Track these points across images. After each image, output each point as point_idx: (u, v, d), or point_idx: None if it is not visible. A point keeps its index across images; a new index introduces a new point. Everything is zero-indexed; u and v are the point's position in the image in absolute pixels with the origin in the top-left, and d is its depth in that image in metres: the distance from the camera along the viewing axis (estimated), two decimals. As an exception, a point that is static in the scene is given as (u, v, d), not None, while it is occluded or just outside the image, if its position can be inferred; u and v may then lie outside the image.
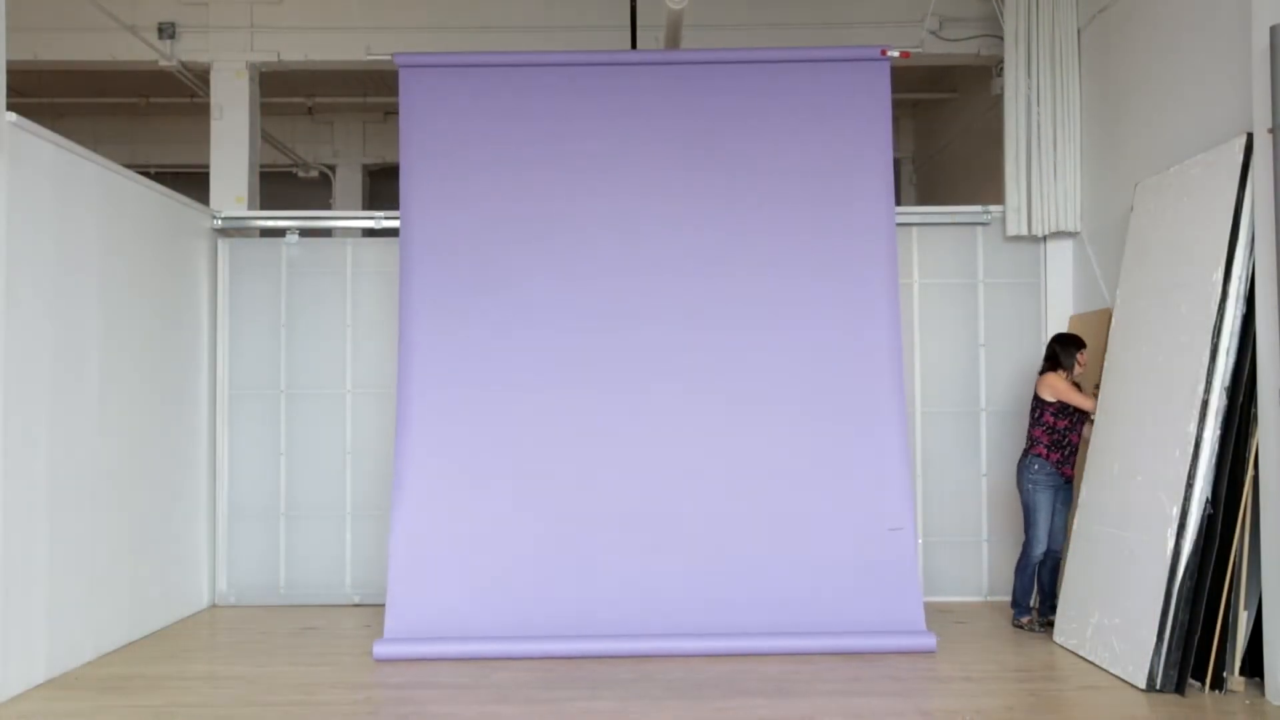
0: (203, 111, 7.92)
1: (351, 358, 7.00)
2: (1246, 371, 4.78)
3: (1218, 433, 4.80)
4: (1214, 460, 4.79)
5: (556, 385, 6.02)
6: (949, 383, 6.94)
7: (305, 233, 7.14)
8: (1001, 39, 7.03)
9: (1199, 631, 4.72)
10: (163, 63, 7.61)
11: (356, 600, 6.89)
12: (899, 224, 6.83)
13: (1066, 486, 6.01)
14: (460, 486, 5.92)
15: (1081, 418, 5.97)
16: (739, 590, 5.78)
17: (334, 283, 7.04)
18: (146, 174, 7.12)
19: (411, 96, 6.29)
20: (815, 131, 6.24)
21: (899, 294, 6.24)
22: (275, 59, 7.62)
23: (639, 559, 5.82)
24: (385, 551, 6.74)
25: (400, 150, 6.27)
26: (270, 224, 7.15)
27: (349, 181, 11.63)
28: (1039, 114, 6.77)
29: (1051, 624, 5.87)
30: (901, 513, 5.89)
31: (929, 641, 5.57)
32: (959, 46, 7.48)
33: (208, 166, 7.64)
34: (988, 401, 6.93)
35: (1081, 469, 5.91)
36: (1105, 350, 5.89)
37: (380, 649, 5.48)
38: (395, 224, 6.74)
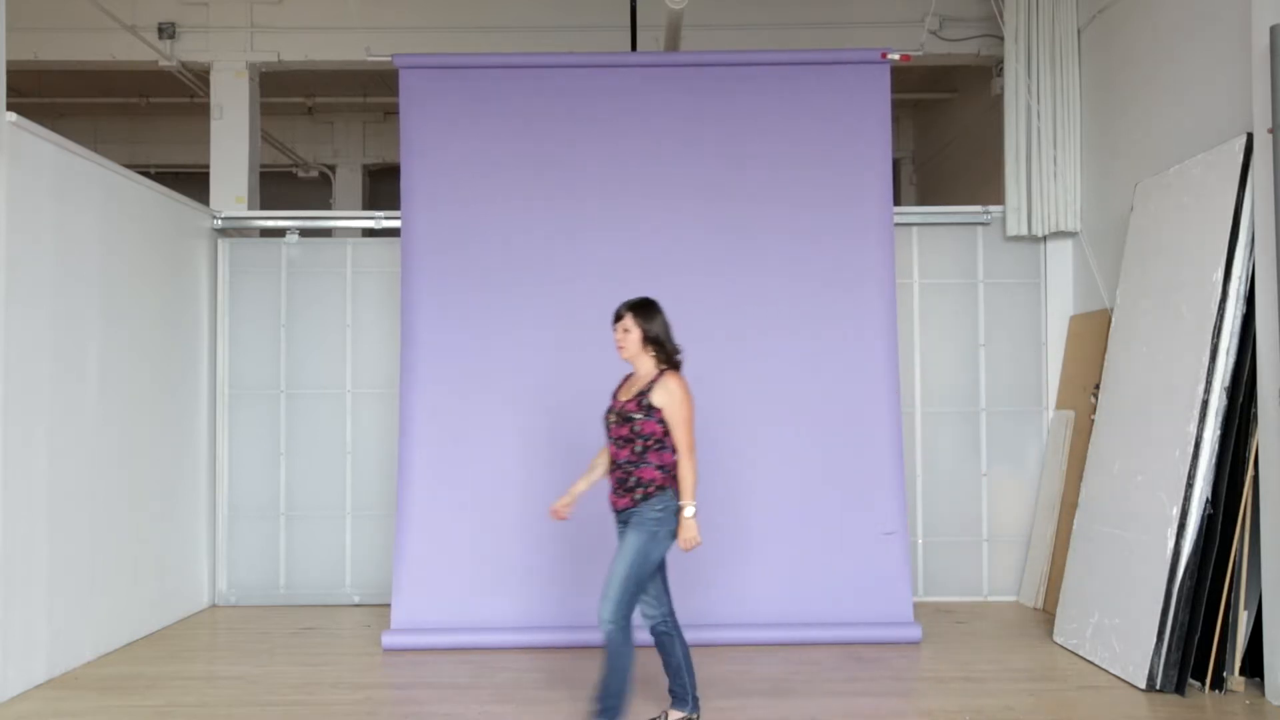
0: (203, 111, 7.92)
1: (351, 358, 7.00)
2: (1246, 371, 4.78)
3: (1218, 433, 4.79)
4: (1214, 460, 4.79)
5: (556, 383, 6.04)
6: (949, 383, 6.94)
7: (305, 233, 7.14)
8: (1001, 39, 7.03)
9: (1199, 631, 4.72)
10: (163, 63, 7.61)
11: (356, 600, 6.89)
12: (899, 224, 6.83)
13: (622, 526, 4.18)
14: (464, 482, 5.97)
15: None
16: (735, 585, 5.82)
17: (334, 283, 7.04)
18: (146, 174, 7.13)
19: (411, 97, 6.29)
20: (815, 133, 6.24)
21: (896, 297, 6.25)
22: (275, 59, 7.62)
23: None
24: (385, 551, 6.76)
25: (400, 150, 6.27)
26: (270, 224, 7.15)
27: (349, 181, 11.63)
28: (1039, 114, 6.77)
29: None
30: (895, 516, 5.91)
31: (914, 632, 5.68)
32: (959, 46, 7.48)
33: (208, 166, 7.64)
34: (988, 401, 6.93)
35: (1079, 472, 5.91)
36: (1105, 350, 5.89)
37: (388, 639, 5.65)
38: (395, 224, 6.74)
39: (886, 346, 6.09)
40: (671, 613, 4.23)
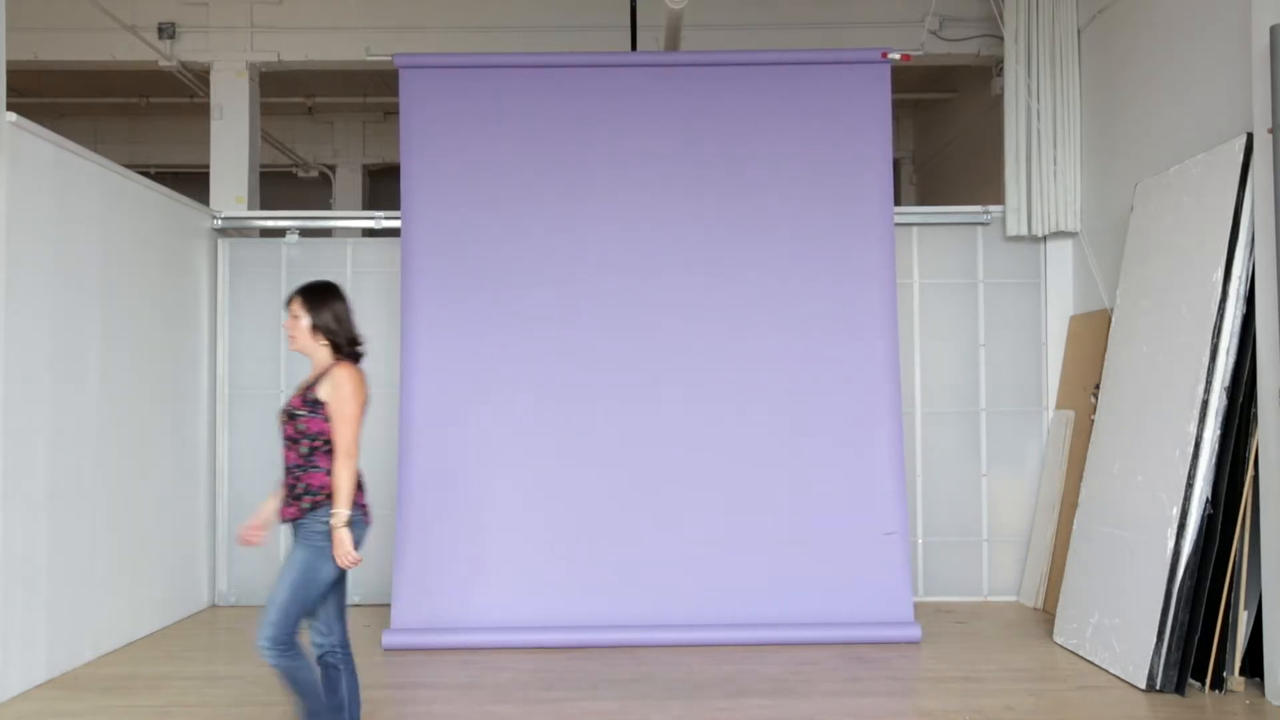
0: (203, 111, 7.92)
1: (351, 358, 6.99)
2: (1246, 371, 4.78)
3: (1218, 433, 4.79)
4: (1214, 460, 4.79)
5: (556, 383, 6.05)
6: (949, 383, 6.94)
7: (305, 233, 7.14)
8: (1001, 39, 7.03)
9: (1199, 631, 4.72)
10: (163, 63, 7.61)
11: (356, 600, 6.87)
12: (899, 224, 6.83)
13: (297, 540, 3.66)
14: (463, 483, 5.97)
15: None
16: (735, 585, 5.83)
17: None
18: (146, 174, 7.13)
19: (411, 97, 6.29)
20: (815, 133, 6.24)
21: (897, 297, 6.25)
22: (275, 59, 7.62)
23: (638, 554, 5.87)
24: (385, 551, 6.74)
25: (400, 150, 6.27)
26: (270, 224, 7.15)
27: (349, 181, 11.63)
28: (1039, 114, 6.77)
29: None
30: (895, 516, 5.92)
31: (914, 632, 5.69)
32: (959, 46, 7.48)
33: (208, 166, 7.64)
34: (988, 401, 6.93)
35: (1079, 472, 5.91)
36: (1105, 350, 5.90)
37: (388, 639, 5.66)
38: (395, 224, 6.74)
39: (886, 346, 6.09)
40: (345, 643, 3.77)
